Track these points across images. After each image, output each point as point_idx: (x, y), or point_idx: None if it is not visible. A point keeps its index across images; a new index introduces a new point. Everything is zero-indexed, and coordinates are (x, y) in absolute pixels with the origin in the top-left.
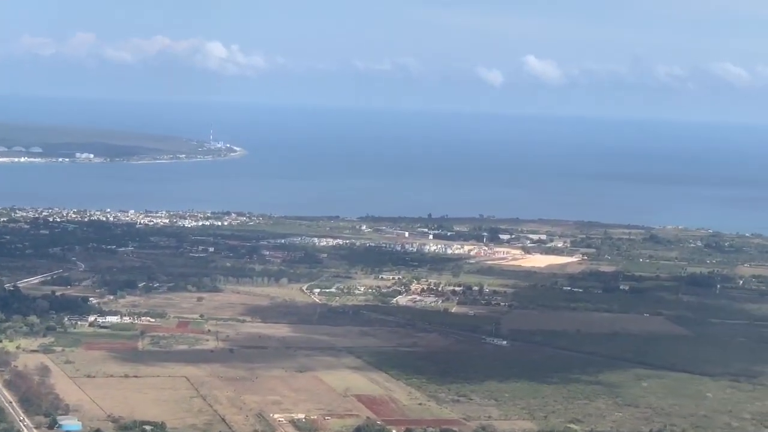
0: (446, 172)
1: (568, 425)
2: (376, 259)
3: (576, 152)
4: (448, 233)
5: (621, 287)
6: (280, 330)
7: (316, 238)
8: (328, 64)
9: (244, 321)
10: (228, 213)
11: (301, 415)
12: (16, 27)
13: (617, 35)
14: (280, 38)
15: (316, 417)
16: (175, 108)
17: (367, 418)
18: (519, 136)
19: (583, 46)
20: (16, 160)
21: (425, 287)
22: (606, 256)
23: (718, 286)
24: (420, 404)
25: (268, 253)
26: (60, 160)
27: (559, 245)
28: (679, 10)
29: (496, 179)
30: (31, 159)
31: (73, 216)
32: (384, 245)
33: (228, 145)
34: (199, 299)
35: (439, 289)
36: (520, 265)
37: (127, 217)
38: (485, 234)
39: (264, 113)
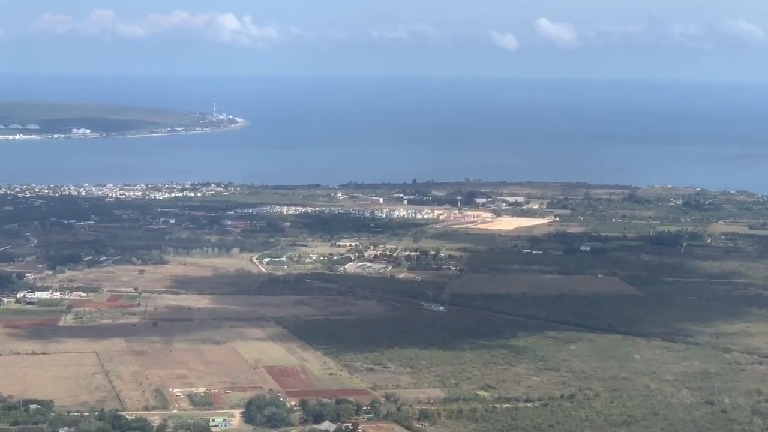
0: (448, 138)
1: (478, 392)
2: (339, 226)
3: (582, 115)
4: (424, 198)
5: (582, 248)
6: (213, 301)
7: (285, 207)
8: (342, 34)
9: (178, 293)
10: (207, 184)
11: (201, 389)
12: (36, 4)
13: None
14: (294, 9)
15: (216, 390)
16: (185, 82)
17: (270, 389)
18: (526, 101)
19: (597, 8)
20: (11, 137)
21: (378, 253)
22: (579, 216)
23: (684, 244)
24: (331, 374)
25: (230, 223)
26: (55, 136)
27: (535, 207)
28: None
29: (493, 144)
30: (27, 136)
31: (46, 192)
32: (353, 212)
33: (230, 117)
34: (141, 272)
35: (394, 254)
36: (487, 229)
37: (101, 191)
38: (459, 198)
39: (274, 84)
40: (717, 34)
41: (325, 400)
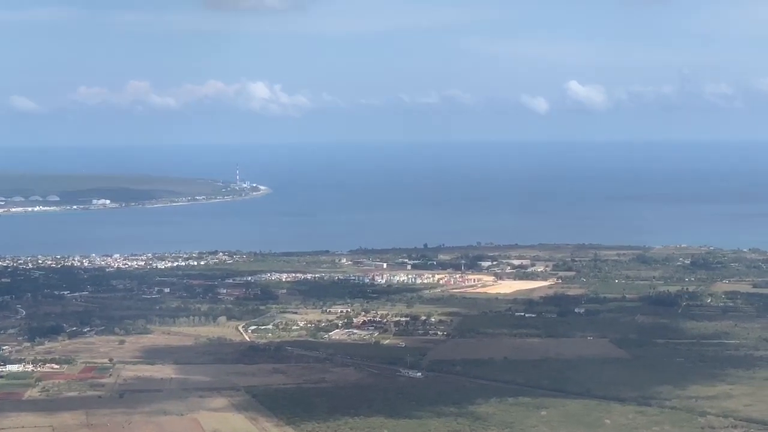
0: (466, 201)
1: None
2: (335, 292)
3: (606, 176)
4: (429, 263)
5: (576, 310)
6: (187, 371)
7: (285, 274)
8: (374, 99)
9: (154, 363)
10: (215, 252)
11: None
12: (74, 77)
13: (662, 57)
14: (325, 76)
15: None
16: (214, 152)
17: None
18: (552, 164)
19: (628, 69)
20: (30, 209)
21: (367, 319)
22: (582, 278)
23: (683, 304)
24: None
25: (225, 291)
26: (74, 207)
27: (540, 270)
28: (724, 26)
29: (511, 208)
30: (46, 208)
31: (50, 263)
32: (353, 278)
33: (253, 185)
34: (121, 342)
35: (384, 320)
36: (485, 292)
37: (105, 261)
38: (463, 262)
39: (303, 152)
40: (748, 92)
41: None
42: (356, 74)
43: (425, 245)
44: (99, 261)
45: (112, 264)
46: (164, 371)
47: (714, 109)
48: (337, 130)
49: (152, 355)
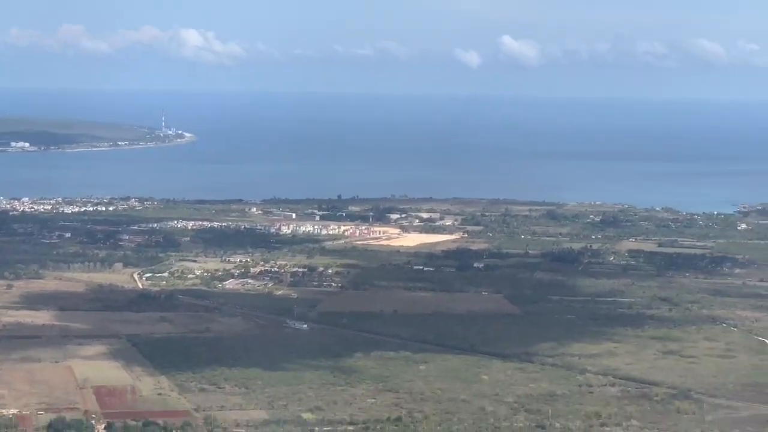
0: (389, 153)
1: (303, 414)
2: (238, 241)
3: (534, 132)
4: (338, 214)
5: (475, 265)
6: (70, 318)
7: (192, 222)
8: (309, 50)
9: (38, 309)
10: (127, 198)
11: (13, 411)
12: (6, 19)
13: (598, 15)
14: (259, 25)
15: (28, 412)
16: (143, 97)
17: (87, 411)
18: (481, 118)
19: (562, 26)
20: None
21: (264, 270)
22: (489, 233)
23: (585, 261)
24: (159, 394)
25: (127, 237)
26: None
27: (448, 224)
28: None
29: (432, 161)
30: None
31: None
32: (259, 228)
33: (178, 132)
34: (9, 287)
35: (282, 271)
36: (389, 245)
37: (11, 204)
38: (371, 214)
39: (234, 100)
40: (681, 52)
41: (132, 423)
42: (291, 24)
43: (339, 197)
44: (4, 204)
45: (18, 208)
46: (46, 317)
47: (647, 67)
48: (271, 80)
49: (37, 301)
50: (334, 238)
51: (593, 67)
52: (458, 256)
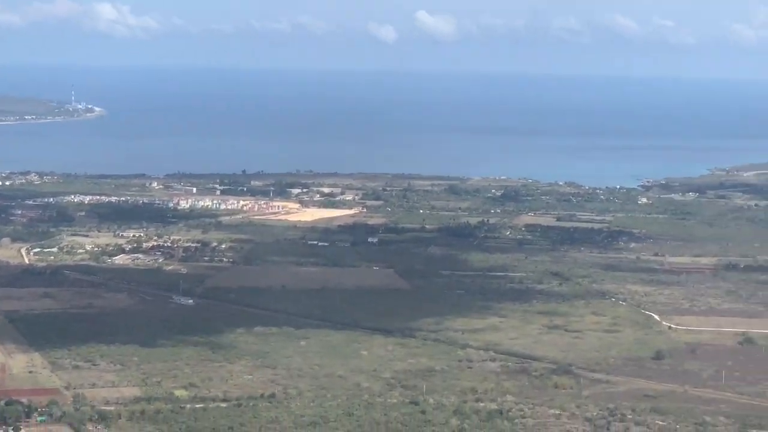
0: (305, 129)
1: (177, 391)
2: (134, 216)
3: (445, 107)
4: (239, 189)
5: (370, 240)
6: None
7: (89, 197)
8: (225, 25)
9: None
10: (27, 173)
11: None
12: None
13: None
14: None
15: None
16: (55, 71)
17: None
18: (394, 94)
19: (478, 1)
20: None
21: (156, 245)
22: (388, 208)
23: (481, 236)
24: (31, 372)
25: (20, 212)
26: None
27: (348, 198)
28: None
29: (340, 135)
30: None
31: None
32: (157, 203)
33: (88, 106)
34: None
35: (174, 246)
36: (287, 220)
37: None
38: (272, 189)
39: (147, 76)
40: (595, 28)
41: None
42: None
43: (244, 171)
44: None
45: None
46: None
47: (562, 43)
48: (186, 54)
49: None
50: (232, 213)
51: (509, 42)
52: (354, 231)
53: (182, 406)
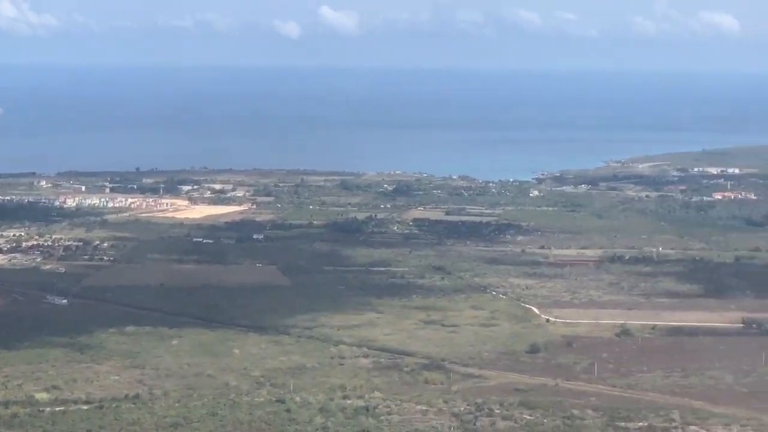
0: (202, 125)
1: (38, 394)
2: (18, 215)
3: (350, 103)
4: (129, 186)
5: (255, 237)
6: None
7: None
8: (128, 22)
9: None
10: None
11: None
12: None
13: None
14: None
15: None
16: None
17: None
18: (296, 89)
19: None
20: None
21: (36, 243)
22: (278, 204)
23: (368, 231)
24: None
25: None
26: None
27: (239, 195)
28: None
29: (238, 131)
30: None
31: None
32: (43, 201)
33: None
34: None
35: (55, 245)
36: (174, 217)
37: None
38: (162, 186)
39: (48, 73)
40: (498, 21)
41: None
42: None
43: (137, 169)
44: None
45: None
46: None
47: (466, 36)
48: (90, 52)
49: None
50: (119, 210)
51: (413, 36)
52: (240, 228)
53: (41, 409)
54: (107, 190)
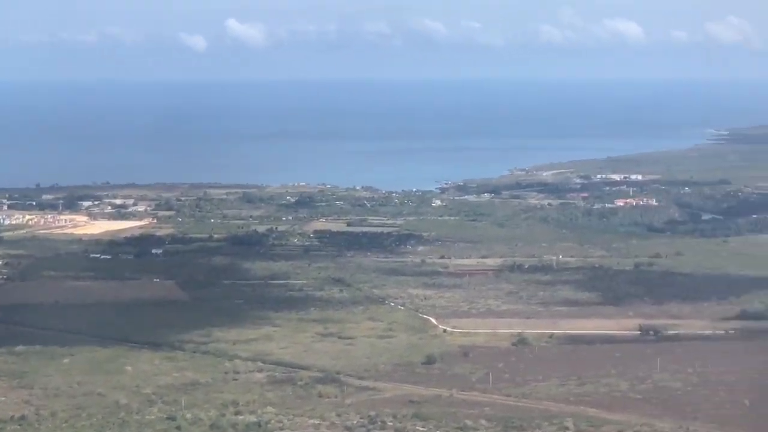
0: (105, 140)
1: None
2: None
3: (255, 115)
4: (28, 203)
5: (154, 252)
6: None
7: None
8: (32, 37)
9: None
10: None
11: None
12: None
13: None
14: None
15: None
16: None
17: None
18: (205, 103)
19: (289, 8)
20: None
21: None
22: (179, 218)
23: (269, 243)
24: None
25: None
26: None
27: (140, 209)
28: None
29: (143, 146)
30: None
31: None
32: None
33: None
34: None
35: None
36: (72, 233)
37: None
38: (62, 201)
39: None
40: (405, 32)
41: None
42: (14, 10)
43: (38, 185)
44: None
45: None
46: None
47: (373, 47)
48: None
49: None
50: (16, 228)
51: (321, 47)
52: (139, 243)
53: None
54: (5, 207)
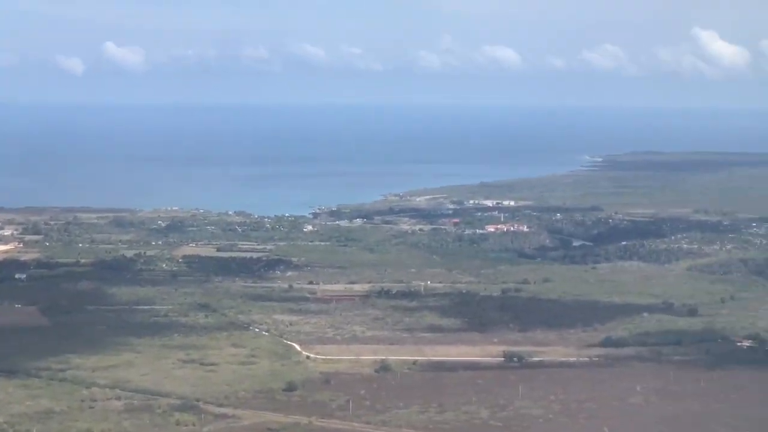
0: None
1: None
2: None
3: (132, 140)
4: None
5: (18, 276)
6: None
7: None
8: None
9: None
10: None
11: None
12: None
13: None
14: None
15: None
16: None
17: None
18: (84, 126)
19: (167, 32)
20: None
21: None
22: (47, 243)
23: (138, 269)
24: None
25: None
26: None
27: (6, 233)
28: None
29: (22, 169)
30: None
31: None
32: None
33: None
34: None
35: None
36: None
37: None
38: None
39: None
40: (284, 57)
41: None
42: None
43: None
44: None
45: None
46: None
47: (253, 72)
48: None
49: None
50: None
51: (202, 72)
52: (2, 268)
53: None
54: None
